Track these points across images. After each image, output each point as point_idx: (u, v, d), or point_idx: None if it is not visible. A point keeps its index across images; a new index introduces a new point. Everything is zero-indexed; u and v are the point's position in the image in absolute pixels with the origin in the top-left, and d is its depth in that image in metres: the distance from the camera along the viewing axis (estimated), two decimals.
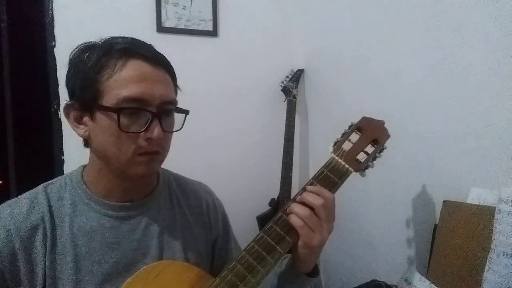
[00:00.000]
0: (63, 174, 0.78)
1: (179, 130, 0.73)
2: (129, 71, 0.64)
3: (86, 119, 0.68)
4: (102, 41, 0.69)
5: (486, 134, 0.97)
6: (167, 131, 0.69)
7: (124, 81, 0.63)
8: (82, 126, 0.69)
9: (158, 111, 0.66)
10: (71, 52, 0.69)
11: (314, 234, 0.65)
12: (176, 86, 0.74)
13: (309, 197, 0.67)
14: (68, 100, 0.70)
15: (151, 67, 0.66)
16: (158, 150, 0.68)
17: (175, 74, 0.73)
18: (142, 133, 0.65)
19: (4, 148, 1.42)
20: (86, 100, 0.66)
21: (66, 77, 0.69)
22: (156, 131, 0.65)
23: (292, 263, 0.73)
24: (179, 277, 0.71)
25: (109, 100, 0.64)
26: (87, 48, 0.68)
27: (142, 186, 0.76)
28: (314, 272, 0.73)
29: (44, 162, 1.45)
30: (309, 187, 0.69)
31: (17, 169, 1.42)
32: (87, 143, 0.72)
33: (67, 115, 0.69)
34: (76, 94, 0.67)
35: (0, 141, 1.41)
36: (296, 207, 0.66)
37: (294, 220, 0.66)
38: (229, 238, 0.89)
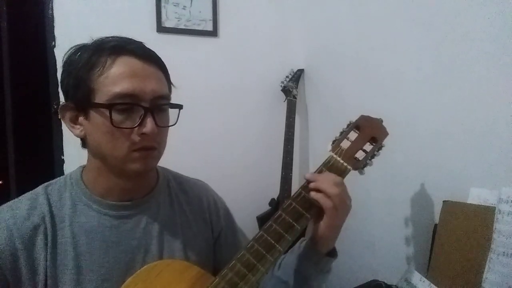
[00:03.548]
0: (63, 174, 0.79)
1: (173, 125, 0.73)
2: (120, 68, 0.65)
3: (81, 118, 0.68)
4: (92, 41, 0.69)
5: (486, 134, 0.97)
6: (161, 126, 0.69)
7: (115, 78, 0.64)
8: (78, 126, 0.69)
9: (150, 106, 0.66)
10: (64, 55, 0.70)
11: (338, 213, 0.68)
12: (169, 82, 0.74)
13: (326, 181, 0.69)
14: (63, 101, 0.70)
15: (142, 63, 0.66)
16: (154, 146, 0.68)
17: (167, 70, 0.73)
18: (136, 128, 0.65)
19: (4, 148, 1.42)
20: (80, 99, 0.66)
21: (60, 79, 0.70)
22: (149, 126, 0.65)
23: (312, 246, 0.73)
24: (180, 276, 0.71)
25: (101, 97, 0.64)
26: (78, 49, 0.68)
27: (141, 185, 0.76)
28: (334, 252, 0.76)
29: (44, 162, 1.45)
30: (319, 176, 0.71)
31: (17, 169, 1.42)
32: (84, 143, 0.73)
33: (62, 116, 0.70)
34: (70, 94, 0.68)
35: (0, 141, 1.41)
36: (324, 185, 0.68)
37: (325, 201, 0.68)
38: (235, 231, 0.89)
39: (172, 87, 0.75)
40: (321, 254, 0.72)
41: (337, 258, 0.76)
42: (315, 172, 0.73)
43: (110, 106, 0.63)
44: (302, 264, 0.75)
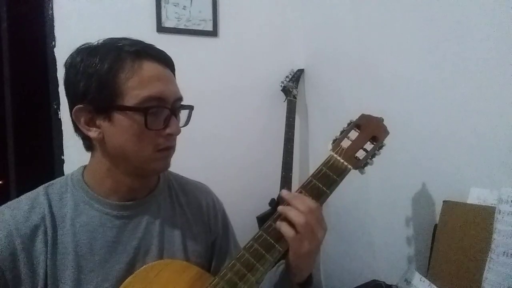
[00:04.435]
0: (63, 174, 0.79)
1: (186, 125, 0.76)
2: (147, 72, 0.67)
3: (99, 121, 0.68)
4: (103, 43, 0.69)
5: (486, 134, 0.97)
6: (181, 126, 0.72)
7: (143, 82, 0.66)
8: (94, 129, 0.69)
9: (173, 108, 0.69)
10: (70, 55, 0.69)
11: (303, 243, 0.64)
12: None
13: (294, 209, 0.65)
14: (71, 103, 0.69)
15: (162, 67, 0.70)
16: (173, 145, 0.72)
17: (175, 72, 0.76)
18: (163, 129, 0.68)
19: (4, 148, 1.42)
20: (103, 103, 0.66)
21: (70, 81, 0.68)
22: (175, 126, 0.69)
23: (286, 272, 0.72)
24: (179, 276, 0.71)
25: (130, 100, 0.65)
26: (93, 52, 0.67)
27: (146, 185, 0.77)
28: (308, 282, 0.72)
29: (44, 162, 1.46)
30: (292, 199, 0.66)
31: (17, 169, 1.42)
32: (88, 146, 0.73)
33: (77, 119, 0.69)
34: (90, 97, 0.66)
35: (0, 141, 1.41)
36: (290, 213, 0.64)
37: (286, 229, 0.64)
38: (229, 238, 0.89)
39: None
40: (293, 283, 0.70)
41: (312, 285, 0.72)
42: (314, 173, 0.71)
43: (145, 109, 0.65)
44: None
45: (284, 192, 0.68)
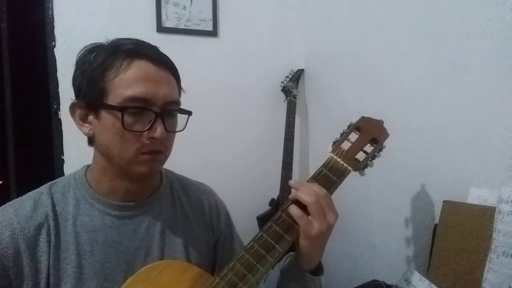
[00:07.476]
0: (63, 174, 0.79)
1: (181, 130, 0.74)
2: (134, 71, 0.66)
3: (91, 117, 0.69)
4: (109, 42, 0.70)
5: (485, 134, 0.97)
6: (170, 131, 0.70)
7: (129, 81, 0.65)
8: (87, 125, 0.70)
9: (161, 111, 0.67)
10: (78, 53, 0.70)
11: (313, 224, 0.65)
12: (180, 88, 0.75)
13: (304, 191, 0.67)
14: (74, 99, 0.71)
15: (156, 68, 0.67)
16: (161, 150, 0.69)
17: (179, 76, 0.74)
18: (145, 132, 0.66)
19: (4, 148, 1.42)
20: (92, 99, 0.67)
21: (73, 76, 0.70)
22: (159, 130, 0.66)
23: (295, 261, 0.71)
24: (180, 276, 0.71)
25: (114, 99, 0.65)
26: (94, 49, 0.69)
27: (145, 187, 0.77)
28: (318, 270, 0.72)
29: (44, 162, 1.45)
30: (300, 185, 0.69)
31: (17, 169, 1.41)
32: (91, 141, 0.73)
33: (72, 114, 0.70)
34: (82, 93, 0.68)
35: (0, 141, 1.41)
36: (300, 194, 0.67)
37: (293, 210, 0.66)
38: (233, 238, 0.89)
39: (182, 92, 0.76)
40: (303, 272, 0.70)
41: (322, 275, 0.72)
42: (314, 175, 0.72)
43: (122, 109, 0.64)
44: (284, 280, 0.73)
45: (292, 181, 0.71)
